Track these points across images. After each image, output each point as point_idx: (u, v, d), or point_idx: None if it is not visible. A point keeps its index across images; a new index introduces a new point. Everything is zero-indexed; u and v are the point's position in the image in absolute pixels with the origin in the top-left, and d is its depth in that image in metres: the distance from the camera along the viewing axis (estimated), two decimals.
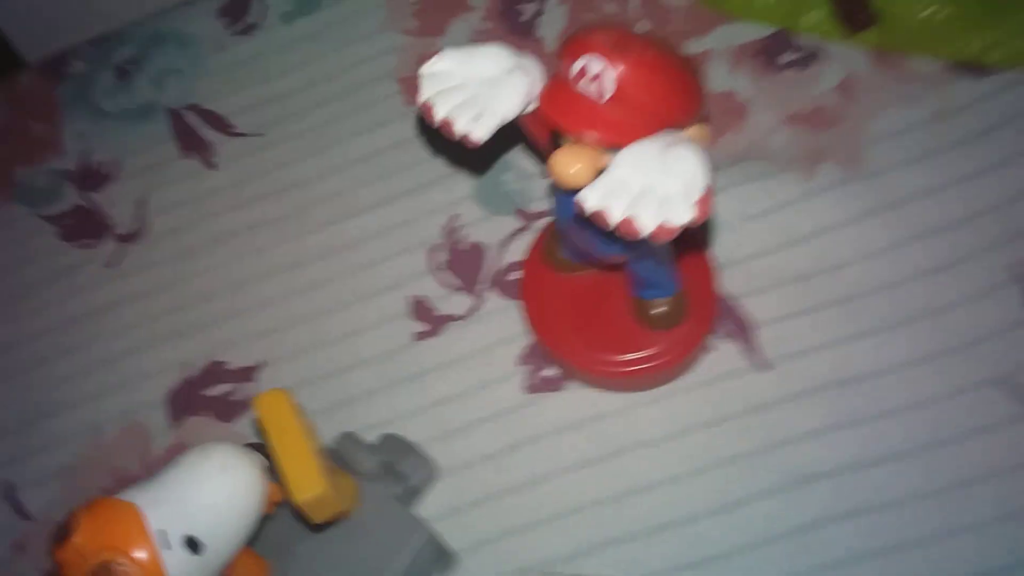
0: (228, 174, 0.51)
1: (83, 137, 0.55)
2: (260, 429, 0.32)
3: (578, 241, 0.35)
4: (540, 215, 0.45)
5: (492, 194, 0.47)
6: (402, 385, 0.43)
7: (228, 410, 0.44)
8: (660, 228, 0.26)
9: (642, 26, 0.49)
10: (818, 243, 0.41)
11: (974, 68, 0.43)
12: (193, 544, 0.29)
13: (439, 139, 0.47)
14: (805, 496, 0.37)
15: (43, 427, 0.47)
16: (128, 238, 0.50)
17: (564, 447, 0.40)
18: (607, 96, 0.28)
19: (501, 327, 0.43)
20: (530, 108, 0.31)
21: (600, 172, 0.28)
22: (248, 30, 0.56)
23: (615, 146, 0.28)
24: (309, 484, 0.31)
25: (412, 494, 0.39)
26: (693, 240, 0.37)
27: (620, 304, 0.39)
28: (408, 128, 0.50)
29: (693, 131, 0.29)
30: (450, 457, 0.41)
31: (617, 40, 0.28)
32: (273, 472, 0.32)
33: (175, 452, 0.43)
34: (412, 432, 0.41)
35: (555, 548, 0.38)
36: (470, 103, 0.30)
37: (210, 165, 0.52)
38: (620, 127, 0.28)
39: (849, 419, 0.38)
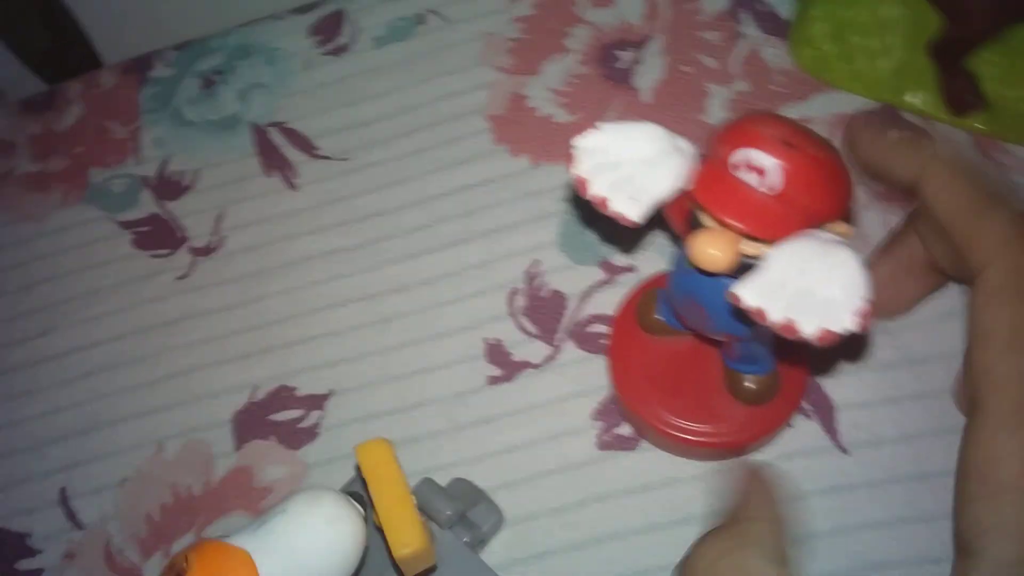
0: (308, 196, 0.51)
1: (163, 144, 0.55)
2: (361, 477, 0.32)
3: (687, 313, 0.35)
4: (625, 270, 0.45)
5: (576, 243, 0.46)
6: (471, 428, 0.43)
7: (294, 437, 0.44)
8: (822, 334, 0.26)
9: (741, 86, 0.48)
10: (902, 336, 0.41)
11: None
12: None
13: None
14: None
15: (103, 436, 0.46)
16: (203, 251, 0.50)
17: (633, 509, 0.39)
18: (774, 192, 0.27)
19: (577, 379, 0.43)
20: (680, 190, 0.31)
21: (738, 258, 0.28)
22: (338, 51, 0.56)
23: (764, 239, 0.28)
24: (409, 539, 0.30)
25: (480, 542, 0.38)
26: None
27: (709, 373, 0.38)
28: (494, 167, 0.49)
29: (840, 228, 0.29)
30: (516, 506, 0.40)
31: (788, 136, 0.28)
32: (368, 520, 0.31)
33: (238, 475, 0.43)
34: (478, 477, 0.40)
35: None
36: (626, 182, 0.30)
37: (291, 185, 0.51)
38: (775, 221, 0.28)
39: (922, 514, 0.37)
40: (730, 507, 0.33)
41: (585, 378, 0.43)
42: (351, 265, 0.48)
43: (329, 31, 0.56)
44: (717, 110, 0.48)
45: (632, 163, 0.30)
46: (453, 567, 0.35)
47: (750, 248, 0.28)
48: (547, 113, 0.50)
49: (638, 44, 0.51)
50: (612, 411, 0.42)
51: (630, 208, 0.30)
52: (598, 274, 0.45)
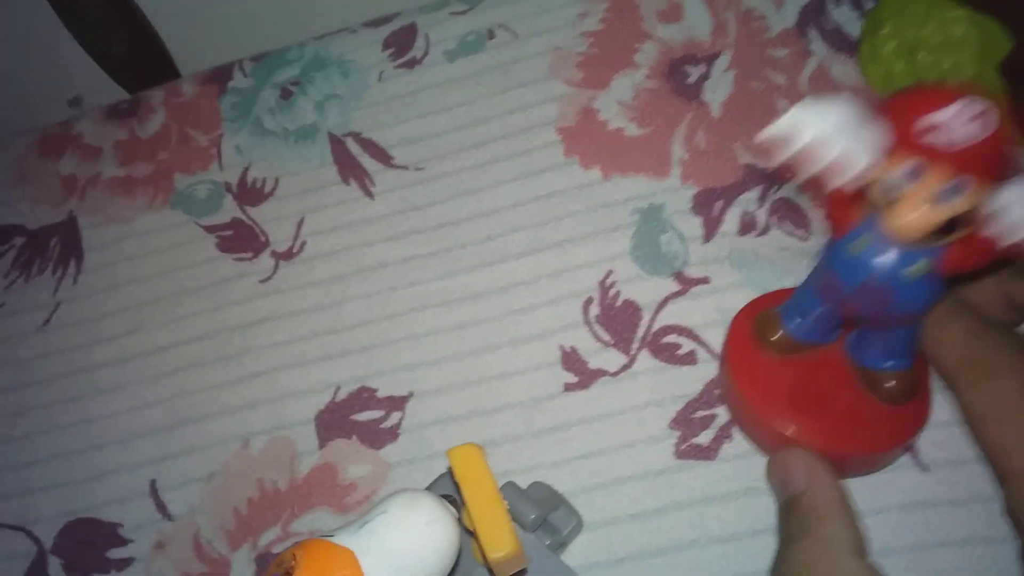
0: (384, 204, 0.52)
1: (244, 152, 0.57)
2: (452, 480, 0.33)
3: (861, 302, 0.34)
4: (699, 281, 0.46)
5: (649, 254, 0.47)
6: (548, 434, 0.44)
7: (375, 437, 0.45)
8: None
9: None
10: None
11: None
12: None
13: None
14: None
15: (191, 431, 0.48)
16: (284, 256, 0.52)
17: (712, 517, 0.41)
18: (987, 134, 0.28)
19: (653, 389, 0.44)
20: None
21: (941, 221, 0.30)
22: (411, 63, 0.57)
23: (978, 181, 0.29)
24: (502, 543, 0.32)
25: (561, 546, 0.40)
26: None
27: (842, 385, 0.38)
28: (565, 179, 0.51)
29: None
30: (594, 511, 0.41)
31: (971, 90, 0.29)
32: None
33: (322, 472, 0.45)
34: (556, 482, 0.41)
35: None
36: (846, 145, 0.30)
37: (368, 194, 0.53)
38: (995, 163, 0.29)
39: (1000, 535, 0.37)
40: (795, 499, 0.34)
41: (661, 388, 0.44)
42: (427, 272, 0.50)
43: (401, 44, 0.58)
44: None
45: (842, 132, 0.30)
46: (537, 569, 0.37)
47: (949, 206, 0.29)
48: (617, 126, 0.52)
49: (707, 60, 0.53)
50: (689, 421, 0.43)
51: (862, 164, 0.30)
52: (672, 285, 0.46)
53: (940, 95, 0.29)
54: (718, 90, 0.51)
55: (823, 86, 0.50)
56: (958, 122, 0.29)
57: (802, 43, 0.52)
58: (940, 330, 0.36)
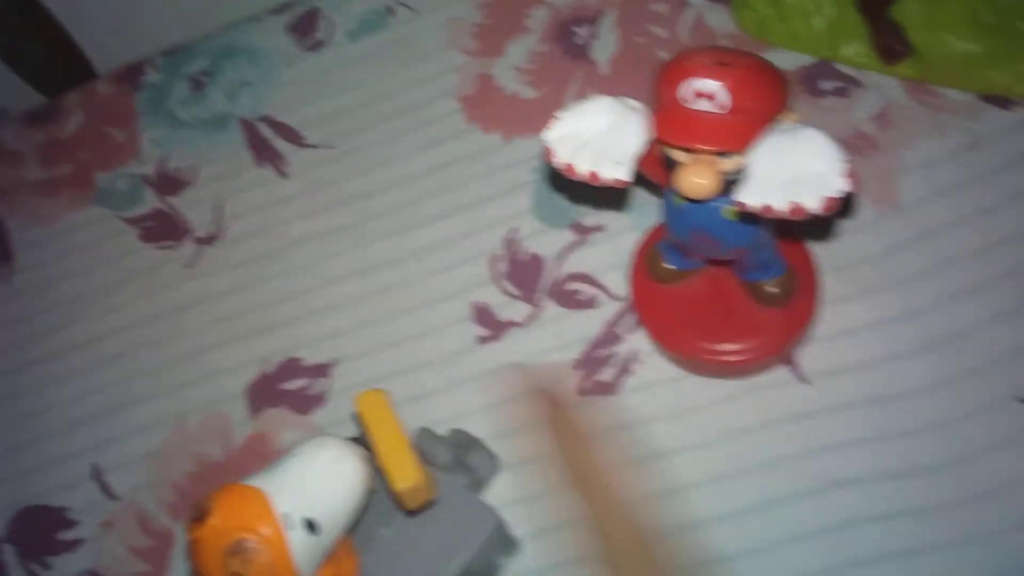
0: (299, 183, 0.55)
1: (160, 144, 0.59)
2: (361, 424, 0.36)
3: (699, 246, 0.39)
4: (594, 229, 0.49)
5: (548, 209, 0.50)
6: (465, 385, 0.47)
7: (304, 403, 0.48)
8: (825, 202, 0.30)
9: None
10: (855, 272, 0.44)
11: (1002, 100, 0.46)
12: (311, 526, 0.32)
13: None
14: (837, 500, 0.40)
15: (129, 415, 0.50)
16: (206, 241, 0.54)
17: (615, 447, 0.43)
18: (727, 108, 0.31)
19: (558, 334, 0.47)
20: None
21: (721, 178, 0.33)
22: (316, 46, 0.59)
23: (734, 151, 0.32)
24: (408, 474, 0.34)
25: (479, 485, 0.42)
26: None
27: (732, 299, 0.42)
28: (468, 145, 0.53)
29: (789, 117, 0.33)
30: (511, 453, 0.44)
31: (720, 58, 0.32)
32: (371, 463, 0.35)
33: (256, 440, 0.48)
34: (474, 429, 0.44)
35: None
36: (605, 153, 0.34)
37: (282, 174, 0.55)
38: (738, 133, 0.32)
39: (881, 434, 0.41)
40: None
41: (566, 332, 0.47)
42: (344, 244, 0.52)
43: (306, 28, 0.60)
44: None
45: (600, 135, 0.35)
46: (455, 507, 0.39)
47: (727, 164, 0.33)
48: (514, 91, 0.54)
49: (593, 20, 0.55)
50: (592, 360, 0.46)
51: (618, 171, 0.34)
52: (571, 236, 0.49)
53: (684, 70, 0.32)
54: (605, 48, 0.54)
55: (702, 36, 0.53)
56: (711, 91, 0.32)
57: None
58: None
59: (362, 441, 0.36)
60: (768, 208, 0.31)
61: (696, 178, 0.33)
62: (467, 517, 0.39)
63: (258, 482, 0.33)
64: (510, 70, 0.55)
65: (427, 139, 0.54)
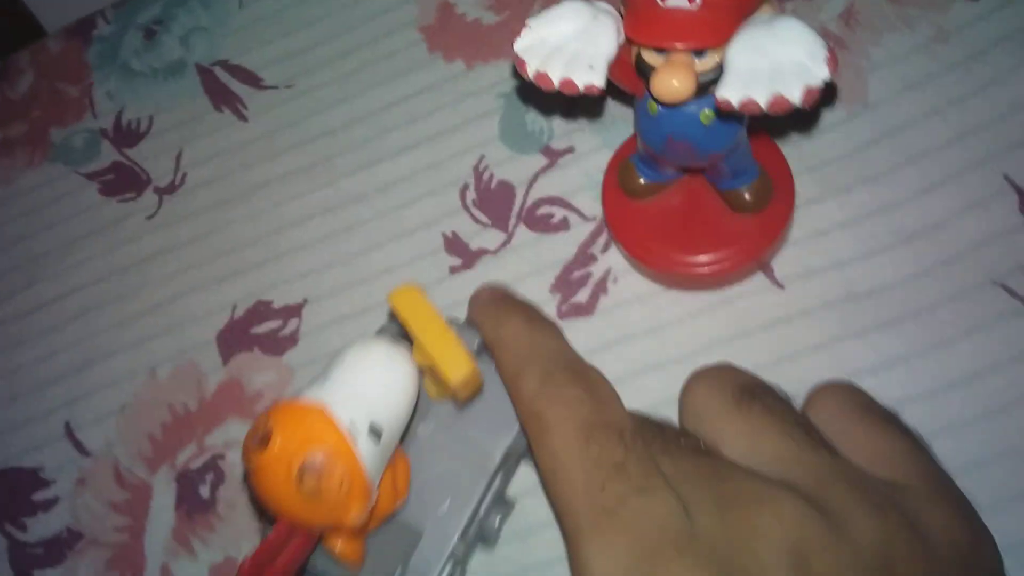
0: (259, 126, 0.53)
1: (115, 97, 0.57)
2: (400, 321, 0.33)
3: (675, 156, 0.37)
4: (565, 152, 0.47)
5: (516, 135, 0.49)
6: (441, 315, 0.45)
7: (276, 345, 0.47)
8: (807, 93, 0.29)
9: None
10: (826, 171, 0.43)
11: None
12: (375, 431, 0.30)
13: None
14: None
15: (98, 370, 0.49)
16: (167, 190, 0.53)
17: (597, 364, 0.42)
18: (701, 4, 0.30)
19: (532, 259, 0.46)
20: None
21: (696, 79, 0.31)
22: None
23: (711, 47, 0.31)
24: (462, 364, 0.32)
25: None
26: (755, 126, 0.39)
27: (707, 208, 0.41)
28: (430, 75, 0.52)
29: (766, 7, 0.32)
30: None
31: None
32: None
33: (228, 386, 0.46)
34: None
35: None
36: (577, 58, 0.33)
37: (242, 118, 0.54)
38: (715, 27, 0.31)
39: (854, 330, 0.40)
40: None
41: (539, 256, 0.45)
42: (309, 183, 0.51)
43: None
44: None
45: (571, 40, 0.33)
46: (493, 390, 0.38)
47: (704, 64, 0.31)
48: (475, 17, 0.53)
49: None
50: (568, 283, 0.44)
51: (592, 77, 0.32)
52: (541, 160, 0.48)
53: None
54: None
55: None
56: None
57: None
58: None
59: (398, 334, 0.34)
60: (750, 102, 0.29)
61: (673, 80, 0.31)
62: (500, 401, 0.37)
63: (313, 394, 0.30)
64: None
65: (388, 72, 0.53)
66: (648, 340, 0.42)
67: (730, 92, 0.30)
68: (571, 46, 0.33)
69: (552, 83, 0.33)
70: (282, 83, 0.54)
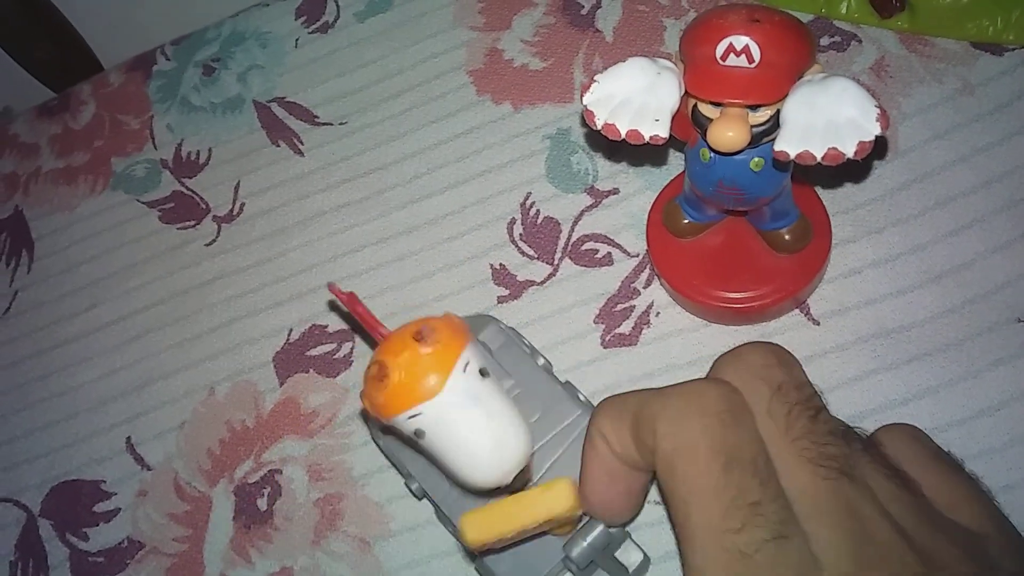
0: (315, 160, 0.56)
1: (174, 129, 0.60)
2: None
3: (722, 199, 0.40)
4: (610, 193, 0.50)
5: (562, 175, 0.51)
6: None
7: (330, 367, 0.49)
8: (860, 147, 0.32)
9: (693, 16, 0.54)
10: (859, 214, 0.46)
11: (993, 47, 0.48)
12: (484, 372, 0.32)
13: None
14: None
15: (158, 388, 0.51)
16: (225, 219, 0.55)
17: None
18: (757, 63, 0.33)
19: (577, 291, 0.48)
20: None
21: (750, 131, 0.34)
22: (324, 28, 0.61)
23: (766, 104, 0.34)
24: (475, 529, 0.32)
25: None
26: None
27: (748, 249, 0.44)
28: (479, 116, 0.55)
29: (816, 68, 0.35)
30: None
31: (751, 15, 0.34)
32: None
33: (285, 405, 0.49)
34: None
35: None
36: (642, 111, 0.36)
37: (298, 152, 0.56)
38: (770, 85, 0.34)
39: (886, 364, 0.42)
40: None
41: (584, 289, 0.48)
42: (362, 215, 0.53)
43: (313, 11, 0.62)
44: (674, 41, 0.54)
45: (637, 94, 0.36)
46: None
47: (756, 117, 0.34)
48: (522, 63, 0.56)
49: None
50: (611, 314, 0.47)
51: (658, 128, 0.36)
52: (586, 200, 0.50)
53: (716, 27, 0.34)
54: (609, 17, 0.55)
55: (701, 3, 0.54)
56: (741, 48, 0.33)
57: None
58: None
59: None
60: (807, 155, 0.32)
61: (728, 131, 0.34)
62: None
63: (459, 375, 0.31)
64: (517, 43, 0.57)
65: (438, 112, 0.55)
66: (689, 371, 0.45)
67: (788, 145, 0.33)
68: (637, 99, 0.36)
69: (620, 133, 0.36)
70: (336, 120, 0.57)
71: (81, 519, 0.49)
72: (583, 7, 0.56)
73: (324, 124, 0.57)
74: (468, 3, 0.59)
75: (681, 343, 0.45)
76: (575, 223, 0.50)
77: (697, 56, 0.35)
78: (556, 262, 0.49)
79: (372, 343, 0.36)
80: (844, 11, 0.51)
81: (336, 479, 0.46)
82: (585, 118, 0.37)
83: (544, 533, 0.36)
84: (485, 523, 0.32)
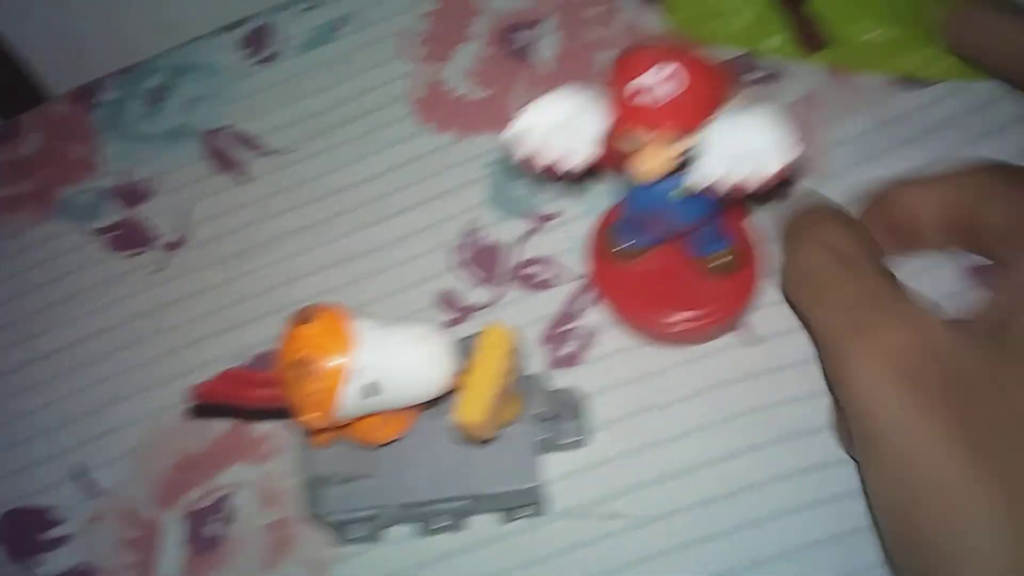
0: (261, 187, 0.57)
1: (121, 158, 0.61)
2: (475, 347, 0.38)
3: (656, 224, 0.42)
4: (551, 217, 0.52)
5: (505, 200, 0.53)
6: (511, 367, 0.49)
7: None
8: (774, 174, 0.34)
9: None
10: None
11: (914, 81, 0.51)
12: (369, 390, 0.35)
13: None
14: (794, 448, 0.44)
15: (108, 414, 0.52)
16: (173, 246, 0.56)
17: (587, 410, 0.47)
18: (675, 95, 0.35)
19: (521, 313, 0.50)
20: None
21: (672, 159, 0.36)
22: (269, 59, 0.62)
23: (687, 133, 0.35)
24: (472, 410, 0.36)
25: (551, 448, 0.45)
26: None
27: (684, 272, 0.46)
28: (422, 145, 0.56)
29: (736, 99, 0.37)
30: None
31: (665, 51, 0.35)
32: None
33: (234, 430, 0.50)
34: None
35: (588, 492, 0.45)
36: (565, 142, 0.37)
37: (245, 180, 0.58)
38: (689, 116, 0.35)
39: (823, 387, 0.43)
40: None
41: (529, 312, 0.50)
42: (309, 242, 0.55)
43: (258, 43, 0.63)
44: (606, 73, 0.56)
45: (562, 124, 0.37)
46: (504, 448, 0.41)
47: (677, 147, 0.36)
48: (463, 92, 0.58)
49: (532, 24, 0.59)
50: (555, 336, 0.49)
51: (580, 158, 0.37)
52: (528, 224, 0.52)
53: (635, 62, 0.35)
54: (546, 50, 0.58)
55: (636, 35, 0.57)
56: (656, 83, 0.35)
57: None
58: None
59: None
60: (721, 183, 0.35)
61: (647, 161, 0.36)
62: (507, 465, 0.41)
63: (361, 326, 0.35)
64: (458, 73, 0.58)
65: (384, 140, 0.57)
66: (631, 388, 0.47)
67: (703, 173, 0.35)
68: (562, 130, 0.38)
69: (541, 165, 0.38)
70: (283, 148, 0.58)
71: (34, 545, 0.50)
72: (520, 40, 0.58)
73: (271, 152, 0.58)
74: (409, 35, 0.60)
75: (624, 362, 0.47)
76: (518, 247, 0.52)
77: (618, 88, 0.36)
78: (500, 286, 0.51)
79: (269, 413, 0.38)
80: (770, 47, 0.54)
81: (289, 503, 0.47)
82: (509, 149, 0.38)
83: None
84: (471, 405, 0.36)
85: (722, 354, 0.47)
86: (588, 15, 0.58)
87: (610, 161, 0.40)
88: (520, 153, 0.38)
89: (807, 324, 0.36)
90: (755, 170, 0.34)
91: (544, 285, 0.50)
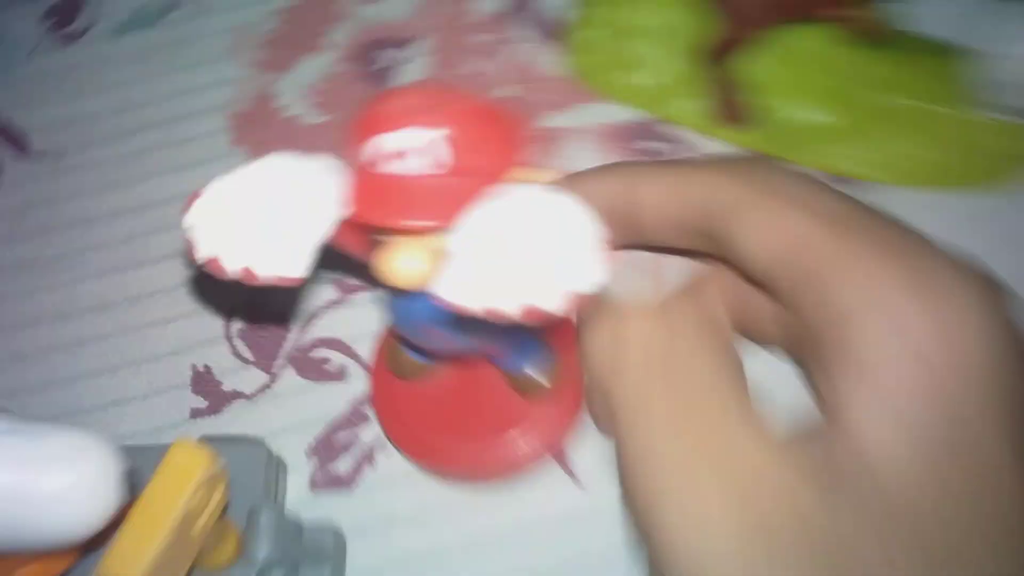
0: (9, 197, 0.44)
1: None
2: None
3: (431, 343, 0.29)
4: (360, 288, 0.39)
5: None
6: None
7: None
8: (570, 300, 0.20)
9: (509, 91, 0.44)
10: None
11: (840, 178, 0.39)
12: None
13: None
14: None
15: None
16: None
17: (351, 553, 0.33)
18: (439, 168, 0.22)
19: (294, 411, 0.37)
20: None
21: (441, 258, 0.21)
22: (71, 37, 0.49)
23: (451, 223, 0.22)
24: (125, 562, 0.23)
25: None
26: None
27: (489, 388, 0.33)
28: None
29: (536, 174, 0.23)
30: None
31: (427, 101, 0.23)
32: None
33: None
34: None
35: None
36: (268, 238, 0.23)
37: None
38: (455, 199, 0.22)
39: None
40: None
41: (303, 410, 0.37)
42: (47, 278, 0.41)
43: (65, 15, 0.50)
44: None
45: (265, 213, 0.23)
46: None
47: (445, 241, 0.22)
48: (295, 113, 0.45)
49: (402, 44, 0.46)
50: (329, 446, 0.36)
51: (286, 265, 0.23)
52: (330, 293, 0.39)
53: (378, 119, 0.23)
54: (410, 78, 0.45)
55: (527, 75, 0.44)
56: (413, 149, 0.22)
57: (509, 29, 0.46)
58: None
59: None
60: (482, 310, 0.20)
61: (405, 264, 0.23)
62: None
63: None
64: (296, 89, 0.46)
65: (180, 160, 0.44)
66: (410, 528, 0.33)
67: (453, 292, 0.21)
68: (264, 221, 0.23)
69: (224, 272, 0.23)
70: (52, 151, 0.45)
71: None
72: (384, 61, 0.46)
73: (36, 153, 0.45)
74: (250, 34, 0.48)
75: (409, 492, 0.34)
76: (309, 322, 0.38)
77: (357, 158, 0.23)
78: (275, 370, 0.38)
79: None
80: (680, 113, 0.41)
81: None
82: (187, 248, 0.24)
83: None
84: (127, 555, 0.23)
85: (530, 491, 0.34)
86: (471, 42, 0.46)
87: (360, 250, 0.26)
88: (197, 255, 0.23)
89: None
90: (524, 298, 0.20)
91: (331, 376, 0.37)
